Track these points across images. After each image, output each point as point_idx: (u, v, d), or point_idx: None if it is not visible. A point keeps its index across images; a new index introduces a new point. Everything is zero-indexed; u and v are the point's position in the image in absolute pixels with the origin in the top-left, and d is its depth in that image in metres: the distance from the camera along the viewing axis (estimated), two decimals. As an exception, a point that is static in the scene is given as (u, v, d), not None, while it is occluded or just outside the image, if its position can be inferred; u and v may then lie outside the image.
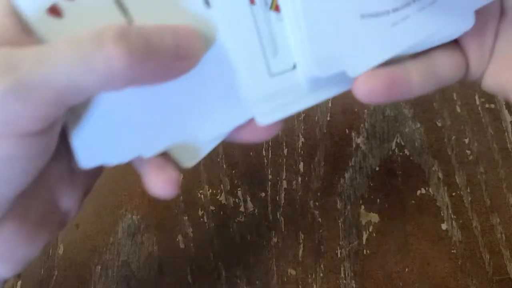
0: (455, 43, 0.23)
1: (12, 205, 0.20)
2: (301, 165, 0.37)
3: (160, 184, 0.22)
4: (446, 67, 0.22)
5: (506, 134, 0.37)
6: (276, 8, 0.20)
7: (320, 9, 0.19)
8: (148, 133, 0.21)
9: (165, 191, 0.22)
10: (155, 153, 0.22)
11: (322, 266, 0.34)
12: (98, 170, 0.24)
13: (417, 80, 0.21)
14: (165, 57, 0.18)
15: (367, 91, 0.20)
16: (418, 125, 0.38)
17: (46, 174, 0.21)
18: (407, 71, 0.21)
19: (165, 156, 0.22)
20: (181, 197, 0.37)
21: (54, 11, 0.19)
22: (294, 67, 0.21)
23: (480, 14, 0.22)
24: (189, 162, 0.22)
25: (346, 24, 0.20)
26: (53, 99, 0.17)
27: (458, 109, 0.38)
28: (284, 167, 0.37)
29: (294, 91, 0.21)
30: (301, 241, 0.35)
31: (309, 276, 0.33)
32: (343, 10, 0.19)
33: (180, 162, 0.22)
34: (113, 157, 0.21)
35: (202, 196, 0.37)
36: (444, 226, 0.34)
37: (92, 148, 0.20)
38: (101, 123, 0.20)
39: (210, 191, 0.37)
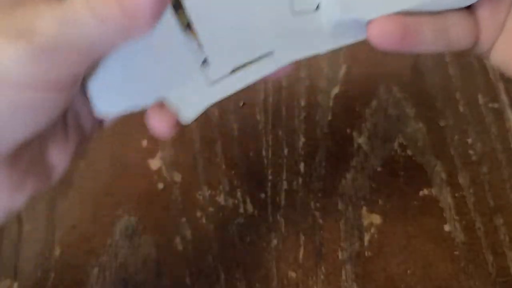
0: (470, 11, 0.23)
1: (9, 153, 0.20)
2: (301, 166, 0.37)
3: (157, 124, 0.23)
4: (458, 30, 0.23)
5: (509, 134, 0.37)
6: None
7: None
8: (150, 82, 0.23)
9: (161, 130, 0.23)
10: (153, 101, 0.23)
11: (323, 268, 0.33)
12: (91, 132, 0.25)
13: (429, 34, 0.22)
14: None
15: (380, 34, 0.21)
16: (421, 124, 0.37)
17: None
18: (420, 22, 0.22)
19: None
20: (179, 198, 0.36)
21: None
22: (317, 8, 0.22)
23: None
24: (188, 114, 0.23)
25: None
26: (76, 59, 0.18)
27: (461, 109, 0.38)
28: (285, 167, 0.37)
29: (314, 33, 0.22)
30: (301, 243, 0.34)
31: (310, 278, 0.33)
32: None
33: (180, 115, 0.23)
34: (124, 105, 0.23)
35: (201, 197, 0.37)
36: (447, 227, 0.34)
37: (106, 97, 0.22)
38: (113, 74, 0.22)
39: (209, 192, 0.37)
